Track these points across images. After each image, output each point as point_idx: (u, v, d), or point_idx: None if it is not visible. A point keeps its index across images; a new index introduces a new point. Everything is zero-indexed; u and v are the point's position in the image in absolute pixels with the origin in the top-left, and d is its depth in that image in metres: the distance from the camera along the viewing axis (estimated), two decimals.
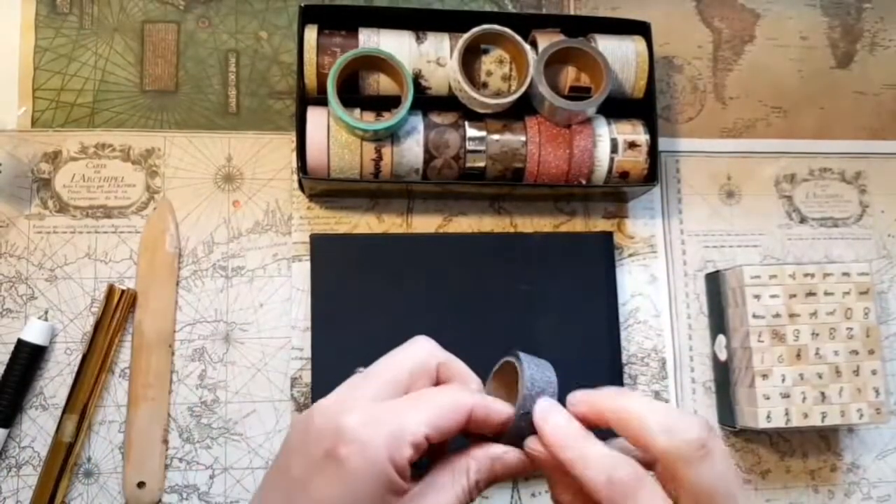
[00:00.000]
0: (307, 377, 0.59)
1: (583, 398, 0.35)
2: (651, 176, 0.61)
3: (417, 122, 0.58)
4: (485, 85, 0.59)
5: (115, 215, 0.60)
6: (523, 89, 0.57)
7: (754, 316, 0.59)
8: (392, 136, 0.57)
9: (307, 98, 0.58)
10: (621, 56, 0.60)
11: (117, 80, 0.62)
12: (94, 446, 0.57)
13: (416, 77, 0.58)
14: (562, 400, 0.36)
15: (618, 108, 0.61)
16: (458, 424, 0.33)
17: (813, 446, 0.64)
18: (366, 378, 0.34)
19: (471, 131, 0.59)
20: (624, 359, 0.63)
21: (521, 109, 0.59)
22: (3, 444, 0.56)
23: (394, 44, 0.58)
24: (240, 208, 0.62)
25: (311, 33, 0.58)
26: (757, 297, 0.59)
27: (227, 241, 0.61)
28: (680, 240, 0.66)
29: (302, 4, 0.58)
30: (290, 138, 0.63)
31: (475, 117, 0.59)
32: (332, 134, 0.57)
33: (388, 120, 0.56)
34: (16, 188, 0.60)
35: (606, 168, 0.60)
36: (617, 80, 0.60)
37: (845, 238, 0.69)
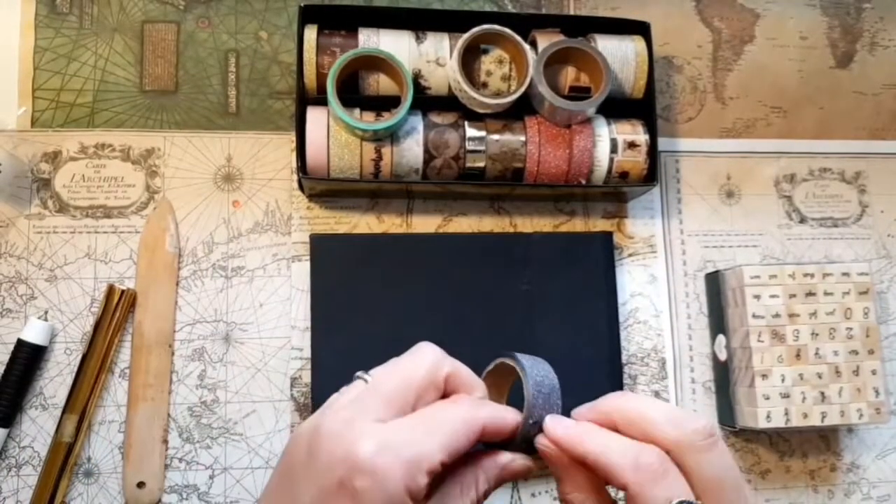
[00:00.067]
0: (307, 377, 0.59)
1: (587, 406, 0.35)
2: (651, 176, 0.61)
3: (417, 122, 0.58)
4: (484, 85, 0.59)
5: (115, 215, 0.60)
6: (523, 89, 0.57)
7: (754, 316, 0.59)
8: (392, 136, 0.57)
9: (307, 98, 0.58)
10: (621, 56, 0.60)
11: (117, 80, 0.62)
12: (94, 446, 0.57)
13: (416, 77, 0.58)
14: (562, 396, 0.36)
15: (618, 108, 0.61)
16: (472, 442, 0.33)
17: (813, 446, 0.64)
18: (372, 393, 0.33)
19: (470, 131, 0.59)
20: (624, 359, 0.63)
21: (521, 109, 0.59)
22: (3, 444, 0.56)
23: (394, 44, 0.58)
24: (240, 208, 0.62)
25: (310, 33, 0.58)
26: (757, 297, 0.59)
27: (227, 241, 0.61)
28: (680, 240, 0.67)
29: (302, 4, 0.58)
30: (290, 138, 0.63)
31: (475, 117, 0.59)
32: (331, 134, 0.57)
33: (388, 120, 0.56)
34: (16, 188, 0.60)
35: (606, 168, 0.60)
36: (617, 80, 0.60)
37: (845, 238, 0.69)
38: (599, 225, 0.66)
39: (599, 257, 0.63)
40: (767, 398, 0.58)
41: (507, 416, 0.35)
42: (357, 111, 0.57)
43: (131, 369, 0.58)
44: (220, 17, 0.64)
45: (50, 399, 0.57)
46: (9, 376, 0.55)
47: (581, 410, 0.35)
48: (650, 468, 0.31)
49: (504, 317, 0.61)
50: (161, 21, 0.64)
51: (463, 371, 0.35)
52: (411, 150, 0.58)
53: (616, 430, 0.34)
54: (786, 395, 0.58)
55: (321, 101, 0.57)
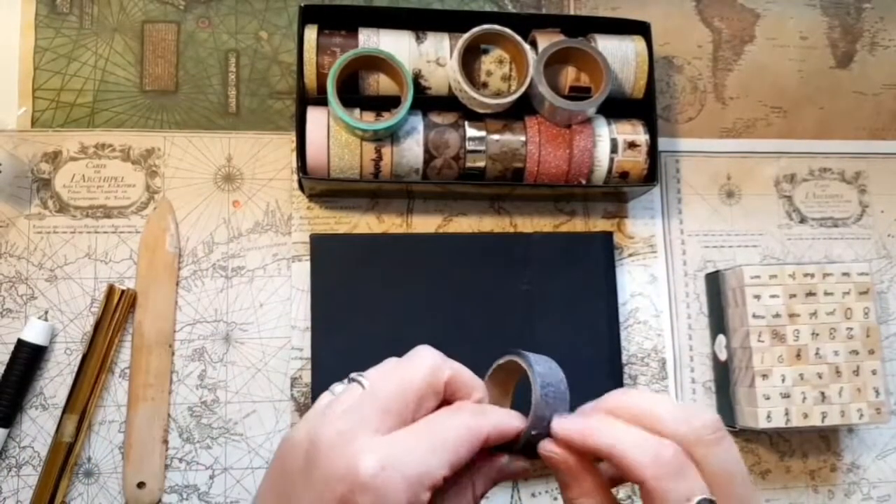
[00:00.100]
0: (307, 377, 0.59)
1: (590, 405, 0.35)
2: (651, 176, 0.61)
3: (417, 122, 0.58)
4: (485, 85, 0.59)
5: (115, 215, 0.60)
6: (523, 89, 0.57)
7: (754, 316, 0.59)
8: (392, 136, 0.57)
9: (307, 98, 0.58)
10: (621, 56, 0.60)
11: (117, 80, 0.62)
12: (94, 446, 0.57)
13: (416, 77, 0.58)
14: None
15: (618, 108, 0.61)
16: (474, 453, 0.32)
17: (813, 446, 0.64)
18: (370, 401, 0.32)
19: (471, 131, 0.59)
20: (624, 359, 0.63)
21: (521, 109, 0.59)
22: (3, 444, 0.56)
23: (394, 44, 0.58)
24: (240, 208, 0.62)
25: (311, 33, 0.58)
26: (757, 297, 0.59)
27: (227, 241, 0.61)
28: (680, 240, 0.66)
29: (302, 4, 0.58)
30: (290, 138, 0.63)
31: (475, 117, 0.59)
32: (332, 134, 0.57)
33: (388, 120, 0.56)
34: (16, 188, 0.60)
35: (606, 168, 0.60)
36: (617, 80, 0.60)
37: (845, 238, 0.69)
38: (599, 225, 0.66)
39: (599, 257, 0.63)
40: (768, 398, 0.58)
41: (510, 424, 0.34)
42: (357, 111, 0.57)
43: (131, 369, 0.58)
44: (220, 17, 0.64)
45: (50, 399, 0.57)
46: (9, 376, 0.55)
47: (584, 409, 0.35)
48: (668, 464, 0.31)
49: (504, 317, 0.61)
50: (161, 21, 0.64)
51: (463, 373, 0.34)
52: (411, 150, 0.58)
53: None
54: (786, 395, 0.58)
55: (321, 101, 0.57)
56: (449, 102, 0.59)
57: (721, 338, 0.63)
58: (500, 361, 0.37)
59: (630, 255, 0.65)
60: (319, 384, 0.57)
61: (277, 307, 0.60)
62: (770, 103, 0.70)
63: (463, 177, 0.59)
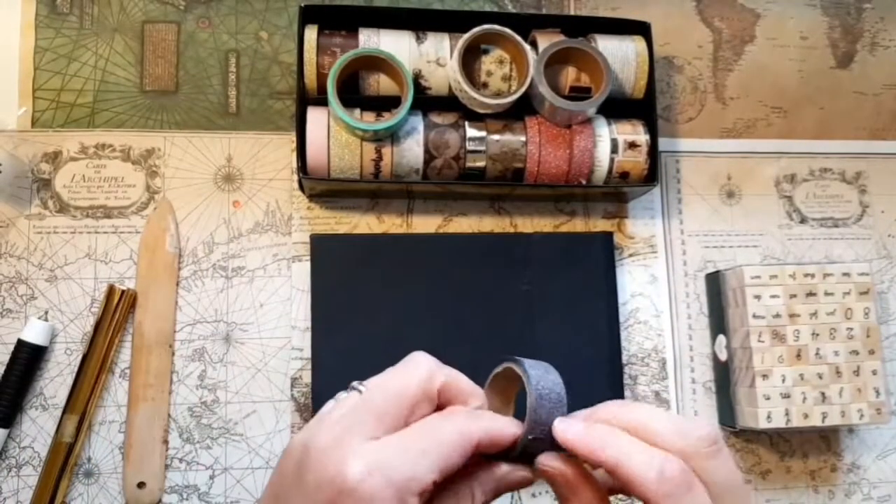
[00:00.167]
0: (307, 377, 0.59)
1: (583, 413, 0.34)
2: (651, 176, 0.61)
3: (417, 122, 0.58)
4: (485, 85, 0.59)
5: (115, 215, 0.60)
6: (523, 89, 0.57)
7: (754, 316, 0.59)
8: (392, 136, 0.57)
9: (307, 98, 0.58)
10: (621, 56, 0.60)
11: (117, 80, 0.62)
12: (94, 446, 0.57)
13: (416, 77, 0.58)
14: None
15: (618, 108, 0.61)
16: (466, 458, 0.32)
17: (813, 446, 0.64)
18: (364, 408, 0.31)
19: (471, 131, 0.59)
20: (624, 359, 0.63)
21: (521, 109, 0.59)
22: (3, 444, 0.56)
23: (394, 44, 0.58)
24: (240, 208, 0.62)
25: (311, 33, 0.57)
26: (757, 297, 0.59)
27: (227, 242, 0.61)
28: (680, 240, 0.66)
29: (302, 4, 0.58)
30: (290, 138, 0.63)
31: (475, 117, 0.59)
32: (332, 134, 0.57)
33: (388, 120, 0.56)
34: (16, 188, 0.60)
35: (606, 168, 0.60)
36: (617, 80, 0.60)
37: (845, 238, 0.69)
38: (600, 225, 0.66)
39: (600, 257, 0.63)
40: (768, 398, 0.57)
41: (504, 430, 0.33)
42: (357, 111, 0.57)
43: (131, 369, 0.58)
44: (220, 18, 0.64)
45: (50, 399, 0.57)
46: (9, 376, 0.55)
47: (578, 416, 0.34)
48: (674, 481, 0.30)
49: (504, 317, 0.61)
50: (161, 21, 0.64)
51: (459, 380, 0.34)
52: (411, 150, 0.58)
53: None
54: (786, 396, 0.58)
55: (321, 101, 0.57)
56: (449, 102, 0.59)
57: (721, 338, 0.63)
58: (498, 370, 0.36)
59: (630, 256, 0.65)
60: (319, 384, 0.57)
61: (277, 307, 0.60)
62: (770, 103, 0.70)
63: (463, 177, 0.59)
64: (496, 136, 0.59)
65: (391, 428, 0.31)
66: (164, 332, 0.59)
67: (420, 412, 0.32)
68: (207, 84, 0.63)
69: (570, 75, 0.60)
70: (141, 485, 0.56)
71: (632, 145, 0.60)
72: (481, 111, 0.59)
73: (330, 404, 0.34)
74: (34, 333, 0.56)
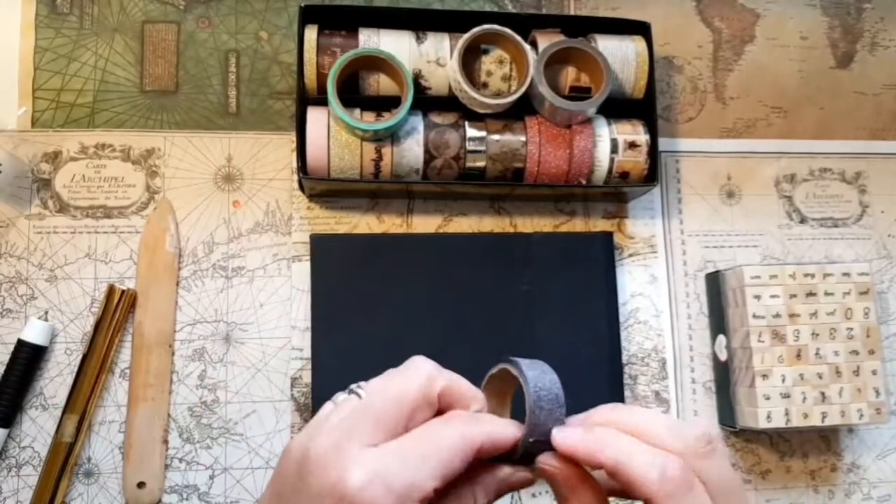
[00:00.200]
0: (307, 377, 0.59)
1: (578, 418, 0.34)
2: (651, 176, 0.61)
3: (417, 122, 0.58)
4: (485, 85, 0.59)
5: (115, 215, 0.60)
6: (523, 89, 0.57)
7: (754, 316, 0.59)
8: (392, 136, 0.57)
9: (307, 98, 0.58)
10: (621, 56, 0.60)
11: (117, 80, 0.62)
12: (94, 446, 0.57)
13: (416, 77, 0.58)
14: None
15: (618, 108, 0.61)
16: (467, 463, 0.31)
17: (813, 446, 0.64)
18: (363, 413, 0.31)
19: (471, 131, 0.59)
20: (624, 359, 0.63)
21: (521, 109, 0.59)
22: (3, 444, 0.56)
23: (394, 44, 0.58)
24: (240, 208, 0.62)
25: (311, 33, 0.57)
26: (757, 297, 0.59)
27: (227, 241, 0.61)
28: (680, 240, 0.66)
29: (302, 4, 0.58)
30: (290, 138, 0.63)
31: (475, 117, 0.59)
32: (332, 134, 0.57)
33: (388, 120, 0.56)
34: (16, 188, 0.60)
35: (606, 168, 0.60)
36: (617, 80, 0.60)
37: (845, 238, 0.69)
38: (600, 225, 0.66)
39: (600, 257, 0.63)
40: (768, 398, 0.58)
41: (504, 433, 0.33)
42: (357, 111, 0.57)
43: (131, 369, 0.58)
44: (220, 18, 0.64)
45: (50, 399, 0.57)
46: (9, 376, 0.55)
47: (574, 421, 0.34)
48: (675, 480, 0.30)
49: (504, 317, 0.61)
50: (161, 21, 0.64)
51: (459, 384, 0.33)
52: (411, 150, 0.58)
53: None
54: (786, 396, 0.58)
55: (321, 101, 0.57)
56: (449, 102, 0.59)
57: (721, 338, 0.63)
58: (493, 371, 0.36)
59: (630, 255, 0.65)
60: (319, 384, 0.57)
61: (277, 307, 0.60)
62: (770, 103, 0.70)
63: (463, 177, 0.59)
64: (496, 136, 0.59)
65: (391, 433, 0.31)
66: (164, 332, 0.59)
67: (420, 417, 0.32)
68: (207, 84, 0.63)
69: (570, 75, 0.60)
70: (141, 485, 0.56)
71: (632, 145, 0.60)
72: (481, 111, 0.59)
73: (328, 407, 0.34)
74: (34, 333, 0.56)
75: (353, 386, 0.33)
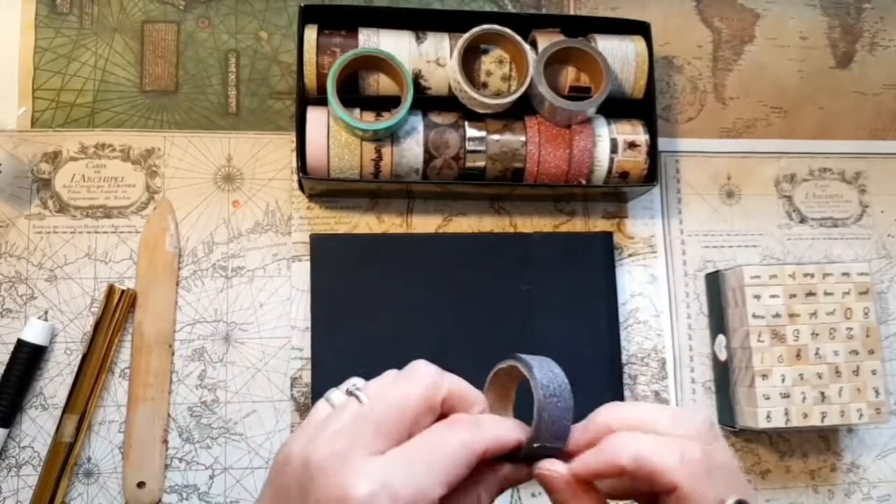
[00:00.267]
0: (307, 377, 0.59)
1: (581, 426, 0.34)
2: (651, 176, 0.61)
3: (417, 122, 0.58)
4: (485, 85, 0.59)
5: (115, 215, 0.60)
6: (523, 89, 0.57)
7: (754, 316, 0.59)
8: (392, 136, 0.57)
9: (307, 98, 0.58)
10: (621, 56, 0.60)
11: (117, 80, 0.62)
12: (94, 446, 0.57)
13: (416, 77, 0.58)
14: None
15: (618, 108, 0.61)
16: (471, 468, 0.31)
17: (813, 446, 0.64)
18: (365, 421, 0.30)
19: (471, 131, 0.59)
20: (624, 359, 0.63)
21: (521, 109, 0.59)
22: (3, 444, 0.56)
23: (394, 44, 0.58)
24: (240, 208, 0.62)
25: (311, 33, 0.58)
26: (757, 297, 0.59)
27: (227, 241, 0.61)
28: (680, 240, 0.66)
29: (302, 4, 0.58)
30: (290, 138, 0.63)
31: (475, 117, 0.59)
32: (332, 134, 0.57)
33: (388, 120, 0.56)
34: (16, 188, 0.60)
35: (606, 168, 0.60)
36: (617, 80, 0.60)
37: (845, 238, 0.69)
38: (599, 225, 0.66)
39: (599, 257, 0.63)
40: (767, 398, 0.58)
41: (508, 436, 0.33)
42: (357, 111, 0.57)
43: (131, 369, 0.58)
44: (220, 17, 0.64)
45: (50, 399, 0.57)
46: (9, 376, 0.55)
47: (577, 430, 0.34)
48: (697, 464, 0.30)
49: (504, 317, 0.61)
50: (161, 21, 0.64)
51: (461, 387, 0.33)
52: (411, 150, 0.58)
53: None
54: (786, 395, 0.58)
55: (321, 101, 0.57)
56: (449, 102, 0.59)
57: (721, 338, 0.63)
58: (501, 365, 0.36)
59: (630, 255, 0.65)
60: (319, 384, 0.57)
61: (277, 307, 0.60)
62: (770, 103, 0.70)
63: (463, 177, 0.59)
64: (496, 136, 0.59)
65: (394, 441, 0.30)
66: (163, 331, 0.59)
67: (423, 423, 0.32)
68: (207, 84, 0.63)
69: (569, 75, 0.60)
70: (141, 484, 0.56)
71: (631, 145, 0.60)
72: (481, 111, 0.59)
73: (324, 408, 0.33)
74: (34, 333, 0.56)
75: (349, 386, 0.33)
